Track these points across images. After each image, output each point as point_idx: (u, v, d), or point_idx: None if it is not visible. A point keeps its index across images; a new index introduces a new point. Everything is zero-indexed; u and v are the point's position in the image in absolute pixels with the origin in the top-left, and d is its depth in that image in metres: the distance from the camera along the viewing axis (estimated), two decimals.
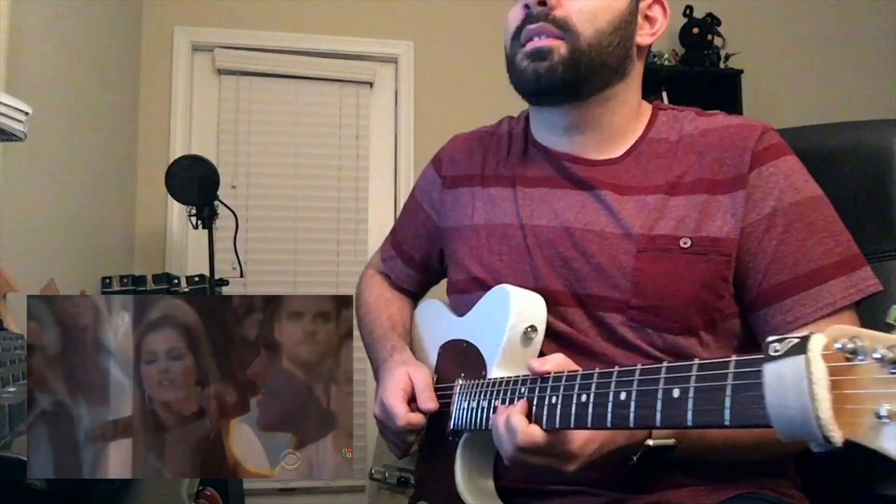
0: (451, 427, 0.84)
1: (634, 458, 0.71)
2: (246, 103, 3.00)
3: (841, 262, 0.77)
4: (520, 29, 0.87)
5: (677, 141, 0.87)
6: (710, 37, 3.13)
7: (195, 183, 2.22)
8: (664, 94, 3.07)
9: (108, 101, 2.50)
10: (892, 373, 0.39)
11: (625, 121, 0.90)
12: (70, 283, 1.96)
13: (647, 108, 0.93)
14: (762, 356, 0.45)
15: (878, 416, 0.39)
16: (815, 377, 0.41)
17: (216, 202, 2.30)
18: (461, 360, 0.90)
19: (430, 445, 0.91)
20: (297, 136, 3.03)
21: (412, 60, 3.13)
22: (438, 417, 0.89)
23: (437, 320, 1.02)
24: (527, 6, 0.86)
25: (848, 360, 0.41)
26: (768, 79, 3.32)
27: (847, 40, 3.45)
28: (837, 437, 0.41)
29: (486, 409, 0.78)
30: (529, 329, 0.82)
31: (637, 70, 0.91)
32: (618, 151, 0.89)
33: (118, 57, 2.65)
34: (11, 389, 0.73)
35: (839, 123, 1.02)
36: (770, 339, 0.45)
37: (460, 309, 0.97)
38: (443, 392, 0.90)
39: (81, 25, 2.18)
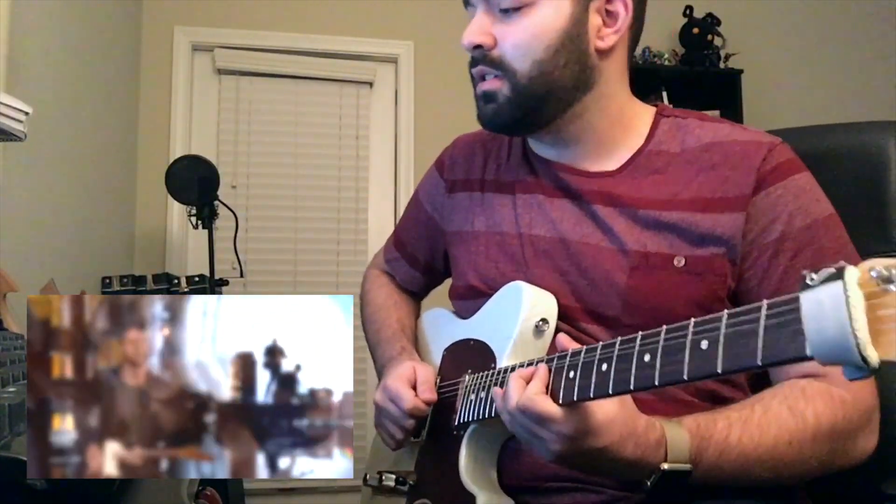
0: (458, 421, 0.85)
1: (648, 483, 0.67)
2: (246, 103, 3.00)
3: None
4: (470, 71, 0.87)
5: (678, 154, 0.84)
6: (710, 37, 3.14)
7: (195, 183, 2.22)
8: (664, 94, 3.07)
9: (108, 100, 2.50)
10: None
11: (609, 127, 0.87)
12: (70, 283, 1.96)
13: (644, 113, 0.89)
14: (796, 293, 0.47)
15: None
16: (852, 300, 0.43)
17: (216, 202, 2.30)
18: (468, 357, 0.90)
19: (431, 443, 0.91)
20: (297, 136, 3.03)
21: (412, 60, 3.13)
22: (441, 415, 0.89)
23: (441, 326, 1.03)
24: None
25: (882, 286, 0.43)
26: (768, 79, 3.32)
27: (847, 40, 3.45)
28: (874, 356, 0.42)
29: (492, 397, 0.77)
30: (541, 322, 0.82)
31: (609, 72, 0.85)
32: (614, 163, 0.86)
33: (118, 57, 2.65)
34: (11, 389, 0.73)
35: (835, 125, 1.02)
36: (804, 271, 0.47)
37: (461, 314, 0.98)
38: (447, 390, 0.90)
39: (81, 25, 2.18)
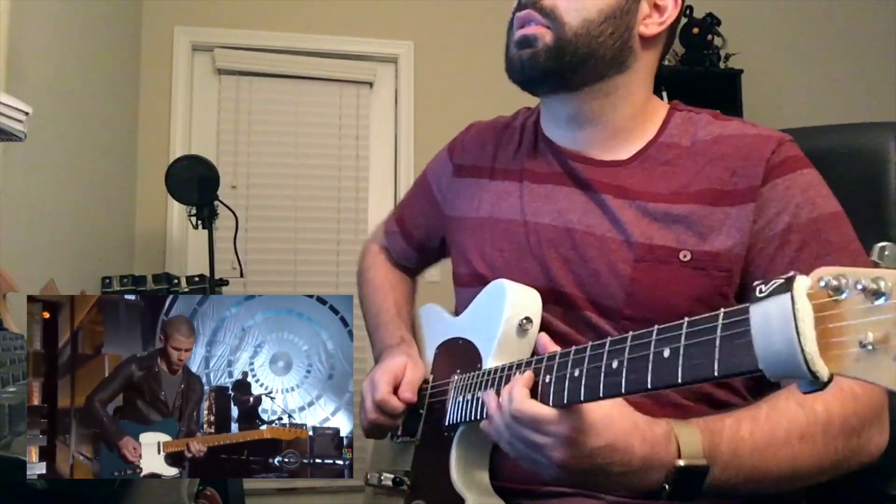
0: (447, 422, 0.85)
1: (667, 487, 0.64)
2: (246, 103, 3.00)
3: None
4: (513, 17, 0.87)
5: (689, 147, 0.84)
6: (710, 37, 3.14)
7: (195, 183, 2.22)
8: (664, 94, 3.07)
9: (108, 100, 2.50)
10: (875, 303, 0.39)
11: (629, 117, 0.87)
12: (70, 283, 1.96)
13: (661, 107, 0.90)
14: (747, 304, 0.46)
15: (863, 346, 0.39)
16: (800, 314, 0.41)
17: (216, 202, 2.30)
18: (457, 357, 0.90)
19: (426, 445, 0.91)
20: (297, 136, 3.03)
21: (412, 60, 3.13)
22: (434, 415, 0.89)
23: (433, 323, 1.03)
24: None
25: (832, 296, 0.41)
26: (768, 79, 3.32)
27: (847, 40, 3.45)
28: (824, 371, 0.41)
29: (480, 400, 0.77)
30: (525, 321, 0.82)
31: (644, 62, 0.87)
32: (625, 153, 0.87)
33: (118, 57, 2.65)
34: (11, 389, 0.73)
35: (835, 125, 1.02)
36: (756, 282, 0.45)
37: (462, 303, 0.97)
38: (439, 390, 0.90)
39: (81, 25, 2.18)
